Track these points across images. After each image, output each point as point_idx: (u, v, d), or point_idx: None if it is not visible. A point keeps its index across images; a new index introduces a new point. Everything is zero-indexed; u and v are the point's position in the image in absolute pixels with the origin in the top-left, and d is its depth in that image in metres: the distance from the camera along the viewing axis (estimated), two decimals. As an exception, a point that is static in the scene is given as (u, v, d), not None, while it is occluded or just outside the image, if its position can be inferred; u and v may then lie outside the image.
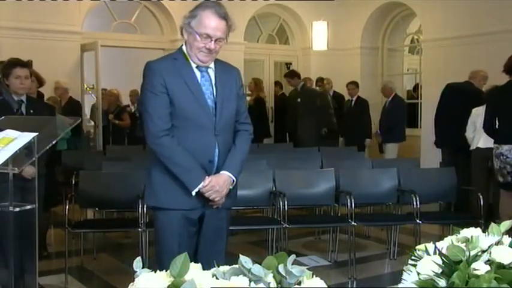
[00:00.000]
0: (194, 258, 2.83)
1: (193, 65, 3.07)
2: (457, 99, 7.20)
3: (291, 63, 12.15)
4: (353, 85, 9.63)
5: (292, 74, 9.75)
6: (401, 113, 9.08)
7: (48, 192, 4.70)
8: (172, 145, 2.93)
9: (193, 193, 2.94)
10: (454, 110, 7.14)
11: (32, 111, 4.41)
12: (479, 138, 6.52)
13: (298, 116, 9.33)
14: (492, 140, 5.69)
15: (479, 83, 7.42)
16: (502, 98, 5.69)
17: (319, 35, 10.83)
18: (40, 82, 5.97)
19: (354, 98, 9.62)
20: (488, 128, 5.74)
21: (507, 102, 5.54)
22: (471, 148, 6.74)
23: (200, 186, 2.94)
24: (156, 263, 3.02)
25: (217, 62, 3.22)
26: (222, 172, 3.01)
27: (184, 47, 3.07)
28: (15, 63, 4.49)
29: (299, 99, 9.37)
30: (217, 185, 2.96)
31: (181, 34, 3.04)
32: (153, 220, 3.19)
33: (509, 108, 5.50)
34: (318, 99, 9.34)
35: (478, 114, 6.51)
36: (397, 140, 8.85)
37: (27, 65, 4.60)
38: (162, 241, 3.05)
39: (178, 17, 9.94)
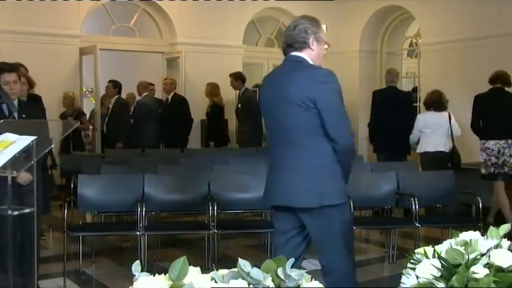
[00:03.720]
0: None
1: None
2: (387, 105, 7.72)
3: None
4: None
5: (236, 76, 9.38)
6: None
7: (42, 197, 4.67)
8: None
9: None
10: (386, 115, 7.66)
11: (24, 115, 4.34)
12: (427, 143, 7.12)
13: (239, 120, 9.32)
14: (443, 144, 7.06)
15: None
16: (488, 102, 6.71)
17: (318, 38, 10.82)
18: (30, 84, 5.86)
19: None
20: (475, 127, 6.82)
21: (493, 105, 6.66)
22: (418, 151, 7.24)
23: None
24: (332, 261, 3.14)
25: None
26: None
27: (304, 56, 3.18)
28: (1, 68, 4.41)
29: (239, 105, 9.29)
30: None
31: (305, 47, 3.17)
32: (331, 218, 3.09)
33: (495, 110, 6.64)
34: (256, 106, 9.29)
35: (425, 120, 7.13)
36: None
37: (14, 69, 4.53)
38: (350, 234, 3.25)
39: (177, 20, 9.97)
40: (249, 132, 9.14)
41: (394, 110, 7.60)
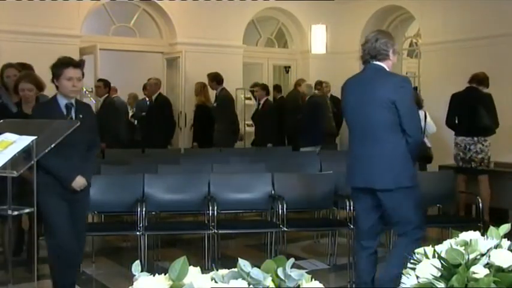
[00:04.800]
0: None
1: None
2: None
3: (289, 67, 12.16)
4: (258, 87, 9.60)
5: (212, 77, 9.20)
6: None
7: None
8: None
9: None
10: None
11: (81, 115, 4.04)
12: None
13: (214, 119, 9.12)
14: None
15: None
16: (461, 100, 7.18)
17: (318, 38, 10.82)
18: (40, 88, 5.40)
19: (262, 102, 9.56)
20: (450, 123, 7.36)
21: (464, 103, 7.13)
22: None
23: None
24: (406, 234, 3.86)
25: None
26: None
27: (384, 65, 3.91)
28: (67, 63, 4.02)
29: (215, 104, 9.15)
30: None
31: (386, 58, 3.91)
32: (405, 198, 3.80)
33: (465, 108, 7.13)
34: (231, 106, 9.21)
35: None
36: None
37: (80, 65, 4.13)
38: (420, 210, 3.96)
39: (177, 20, 9.97)
40: (223, 132, 8.95)
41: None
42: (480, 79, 7.09)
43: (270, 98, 10.41)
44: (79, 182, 4.02)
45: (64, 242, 3.97)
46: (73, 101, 4.07)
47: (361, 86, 3.93)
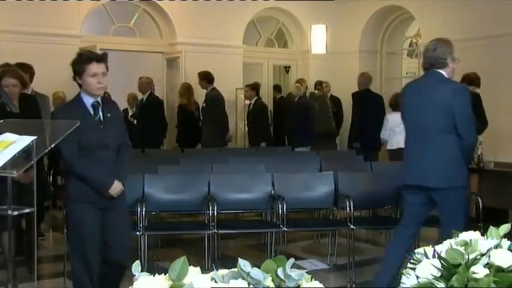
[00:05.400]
0: None
1: None
2: (365, 107, 8.64)
3: (289, 67, 12.16)
4: (248, 87, 9.56)
5: (203, 76, 9.09)
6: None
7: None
8: None
9: None
10: (364, 116, 8.61)
11: (109, 114, 3.73)
12: (399, 140, 7.36)
13: (203, 119, 9.09)
14: None
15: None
16: None
17: (318, 38, 10.83)
18: (24, 84, 5.25)
19: (252, 102, 9.48)
20: None
21: None
22: (390, 148, 7.90)
23: None
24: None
25: None
26: None
27: (443, 72, 4.14)
28: (90, 57, 3.66)
29: (204, 104, 9.06)
30: None
31: (444, 66, 4.14)
32: (456, 196, 4.03)
33: None
34: (221, 106, 9.14)
35: (395, 120, 7.48)
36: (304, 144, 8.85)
37: (104, 58, 3.73)
38: (467, 209, 4.24)
39: (177, 20, 9.97)
40: (213, 133, 8.86)
41: (370, 111, 8.47)
42: (471, 79, 7.13)
43: (270, 97, 10.42)
44: (116, 187, 3.69)
45: (90, 255, 3.64)
46: (99, 99, 3.71)
47: (420, 90, 4.22)
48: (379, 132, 8.15)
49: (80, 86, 3.69)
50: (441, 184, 4.03)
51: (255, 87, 9.55)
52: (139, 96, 9.61)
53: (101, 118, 3.68)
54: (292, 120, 9.05)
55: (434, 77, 4.17)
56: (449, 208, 4.09)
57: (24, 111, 4.86)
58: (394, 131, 7.73)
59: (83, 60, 3.64)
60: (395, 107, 7.80)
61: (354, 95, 8.94)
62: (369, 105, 8.58)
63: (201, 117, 9.16)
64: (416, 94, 4.23)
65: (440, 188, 4.03)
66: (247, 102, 9.75)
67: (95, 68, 3.60)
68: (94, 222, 3.66)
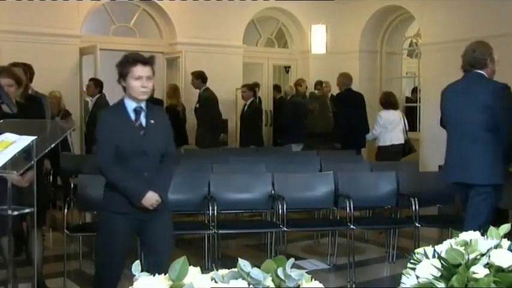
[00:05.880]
0: None
1: None
2: (350, 106, 8.83)
3: (289, 67, 12.16)
4: (245, 88, 9.58)
5: (197, 75, 9.03)
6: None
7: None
8: None
9: None
10: (349, 114, 8.75)
11: (152, 121, 3.51)
12: (392, 137, 7.94)
13: (197, 120, 9.08)
14: (402, 138, 7.97)
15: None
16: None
17: (318, 38, 10.83)
18: (19, 83, 4.95)
19: (248, 102, 9.48)
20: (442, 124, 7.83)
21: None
22: (382, 144, 7.98)
23: None
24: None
25: None
26: None
27: (483, 73, 4.28)
28: (135, 59, 3.47)
29: (198, 104, 9.05)
30: None
31: (484, 67, 4.29)
32: (491, 194, 4.20)
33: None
34: (215, 106, 9.06)
35: (387, 117, 7.90)
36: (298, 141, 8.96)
37: (151, 62, 3.54)
38: (494, 208, 4.28)
39: (177, 20, 9.98)
40: (206, 133, 8.84)
41: (354, 110, 8.73)
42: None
43: (270, 97, 10.39)
44: (150, 198, 3.44)
45: (115, 263, 3.53)
46: (143, 105, 3.49)
47: (461, 91, 4.35)
48: (364, 130, 8.49)
49: (124, 89, 3.53)
50: (484, 181, 4.19)
51: (252, 88, 9.55)
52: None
53: (143, 124, 3.48)
54: (284, 119, 9.36)
55: (475, 78, 4.30)
56: (477, 204, 4.23)
57: (30, 111, 4.84)
58: (387, 128, 7.91)
59: (128, 62, 3.49)
60: (385, 105, 8.02)
61: (337, 95, 9.15)
62: (353, 105, 8.79)
63: (196, 118, 9.17)
64: (459, 95, 4.37)
65: (482, 184, 4.19)
66: (244, 102, 9.75)
67: (139, 70, 3.42)
68: (124, 232, 3.52)
